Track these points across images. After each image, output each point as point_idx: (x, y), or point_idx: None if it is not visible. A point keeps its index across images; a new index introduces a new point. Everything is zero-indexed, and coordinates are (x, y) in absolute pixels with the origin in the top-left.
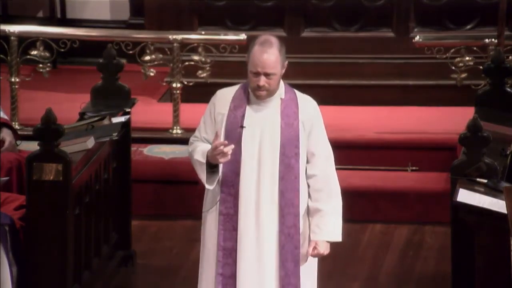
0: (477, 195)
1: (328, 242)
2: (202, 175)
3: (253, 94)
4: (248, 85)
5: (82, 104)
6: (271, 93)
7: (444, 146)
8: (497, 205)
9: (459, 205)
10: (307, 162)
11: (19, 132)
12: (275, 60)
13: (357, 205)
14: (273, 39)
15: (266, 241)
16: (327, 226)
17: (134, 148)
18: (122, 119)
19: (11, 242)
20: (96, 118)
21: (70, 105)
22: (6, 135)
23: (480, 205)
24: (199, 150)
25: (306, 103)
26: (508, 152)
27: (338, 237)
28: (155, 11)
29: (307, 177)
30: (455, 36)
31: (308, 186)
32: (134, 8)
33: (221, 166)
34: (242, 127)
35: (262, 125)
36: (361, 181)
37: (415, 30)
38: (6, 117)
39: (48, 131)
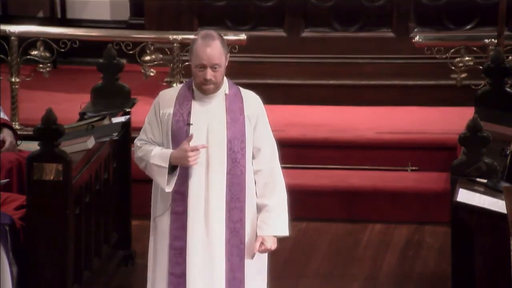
0: (477, 195)
1: (275, 237)
2: (161, 178)
3: (200, 89)
4: (191, 83)
5: (82, 104)
6: (217, 86)
7: (444, 146)
8: (497, 205)
9: (459, 205)
10: (253, 157)
11: (19, 132)
12: (219, 52)
13: (357, 205)
14: (214, 32)
15: (214, 237)
16: (273, 221)
17: (134, 148)
18: (122, 119)
19: (11, 242)
20: (96, 118)
21: (70, 105)
22: (7, 135)
23: (480, 205)
24: (156, 154)
25: (251, 98)
26: (508, 152)
27: (285, 231)
28: (155, 11)
29: (253, 172)
30: (455, 36)
31: (254, 182)
32: (134, 8)
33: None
34: (188, 124)
35: (209, 121)
36: (361, 181)
37: (415, 30)
38: (6, 117)
39: (48, 131)
